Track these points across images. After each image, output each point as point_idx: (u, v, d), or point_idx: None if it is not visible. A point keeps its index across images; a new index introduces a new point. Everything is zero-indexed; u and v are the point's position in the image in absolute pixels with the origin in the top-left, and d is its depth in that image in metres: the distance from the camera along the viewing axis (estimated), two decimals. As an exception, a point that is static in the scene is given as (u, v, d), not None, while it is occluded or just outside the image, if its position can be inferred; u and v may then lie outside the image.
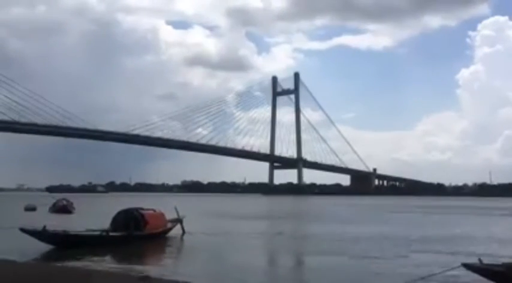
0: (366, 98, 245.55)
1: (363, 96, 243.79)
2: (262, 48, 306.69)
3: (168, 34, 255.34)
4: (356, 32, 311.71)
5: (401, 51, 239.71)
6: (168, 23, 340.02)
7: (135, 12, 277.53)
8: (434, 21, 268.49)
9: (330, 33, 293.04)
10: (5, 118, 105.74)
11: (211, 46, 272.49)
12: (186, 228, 21.07)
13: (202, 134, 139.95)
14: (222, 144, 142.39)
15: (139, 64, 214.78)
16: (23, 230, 16.05)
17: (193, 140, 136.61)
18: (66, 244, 15.90)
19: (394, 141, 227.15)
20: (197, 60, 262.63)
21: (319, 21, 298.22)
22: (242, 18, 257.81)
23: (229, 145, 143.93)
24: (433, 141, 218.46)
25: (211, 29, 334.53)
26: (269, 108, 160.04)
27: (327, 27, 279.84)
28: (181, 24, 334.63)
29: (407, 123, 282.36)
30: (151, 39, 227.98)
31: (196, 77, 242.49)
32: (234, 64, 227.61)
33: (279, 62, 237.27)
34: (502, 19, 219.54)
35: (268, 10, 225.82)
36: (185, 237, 20.35)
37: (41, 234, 15.93)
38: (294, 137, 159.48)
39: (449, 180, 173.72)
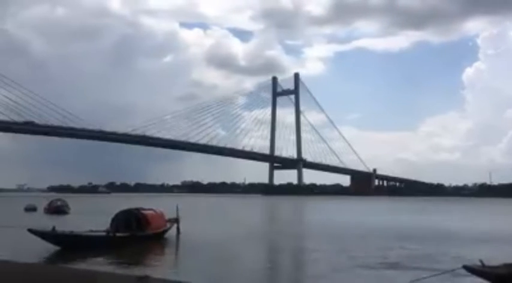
0: (373, 99, 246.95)
1: (371, 98, 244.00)
2: (291, 51, 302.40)
3: (192, 36, 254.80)
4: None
5: (417, 54, 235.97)
6: (192, 25, 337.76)
7: (157, 14, 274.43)
8: (477, 26, 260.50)
9: (353, 37, 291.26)
10: (5, 118, 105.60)
11: (238, 49, 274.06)
12: (187, 228, 21.07)
13: (203, 134, 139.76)
14: (222, 144, 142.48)
15: (165, 66, 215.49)
16: (31, 231, 15.90)
17: (193, 140, 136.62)
18: (74, 245, 15.81)
19: (400, 142, 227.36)
20: (223, 63, 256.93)
21: (355, 27, 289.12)
22: (270, 21, 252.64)
23: (230, 145, 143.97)
24: (438, 142, 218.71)
25: (239, 32, 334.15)
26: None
27: (360, 33, 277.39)
28: (204, 26, 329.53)
29: (412, 124, 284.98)
30: (174, 41, 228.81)
31: (220, 80, 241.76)
32: (260, 67, 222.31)
33: (306, 65, 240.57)
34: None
35: (300, 13, 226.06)
36: (185, 236, 20.26)
37: (50, 235, 15.87)
38: (293, 137, 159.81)
39: (454, 180, 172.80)
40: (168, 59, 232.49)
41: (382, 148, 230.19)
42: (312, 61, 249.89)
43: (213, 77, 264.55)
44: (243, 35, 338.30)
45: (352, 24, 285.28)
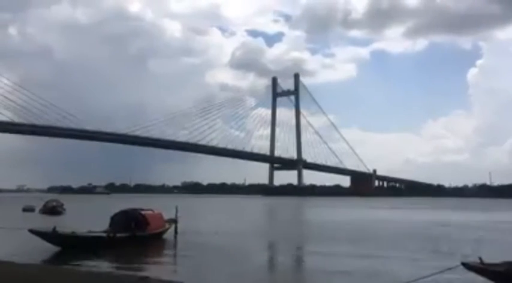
0: (381, 101, 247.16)
1: (378, 99, 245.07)
2: (318, 54, 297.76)
3: (216, 39, 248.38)
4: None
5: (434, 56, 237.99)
6: (216, 27, 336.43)
7: (180, 17, 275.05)
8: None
9: (379, 40, 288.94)
10: (4, 119, 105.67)
11: (265, 52, 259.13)
12: (188, 229, 21.11)
13: (203, 135, 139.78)
14: (223, 145, 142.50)
15: (188, 68, 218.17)
16: (32, 232, 15.86)
17: (193, 141, 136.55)
18: (75, 246, 15.75)
19: (405, 143, 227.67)
20: (249, 66, 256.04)
21: (386, 30, 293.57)
22: (297, 24, 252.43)
23: (231, 146, 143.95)
24: (443, 143, 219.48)
25: (265, 35, 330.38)
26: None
27: (388, 36, 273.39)
28: (229, 28, 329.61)
29: (418, 125, 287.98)
30: (197, 43, 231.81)
31: (245, 82, 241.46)
32: (286, 69, 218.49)
33: (332, 68, 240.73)
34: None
35: (329, 16, 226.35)
36: (185, 237, 20.25)
37: (50, 236, 15.79)
38: (294, 138, 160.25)
39: (460, 181, 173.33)
40: (191, 61, 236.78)
41: (388, 149, 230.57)
42: (339, 65, 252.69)
43: (239, 79, 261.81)
44: (269, 38, 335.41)
45: (383, 27, 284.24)
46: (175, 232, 20.55)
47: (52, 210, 39.55)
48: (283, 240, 21.79)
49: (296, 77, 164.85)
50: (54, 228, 15.73)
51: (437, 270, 9.48)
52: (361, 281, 11.80)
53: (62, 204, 42.14)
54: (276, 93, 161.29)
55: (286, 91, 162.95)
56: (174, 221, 20.85)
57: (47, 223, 23.52)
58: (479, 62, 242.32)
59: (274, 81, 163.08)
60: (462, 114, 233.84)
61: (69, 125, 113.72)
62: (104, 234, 16.88)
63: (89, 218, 26.81)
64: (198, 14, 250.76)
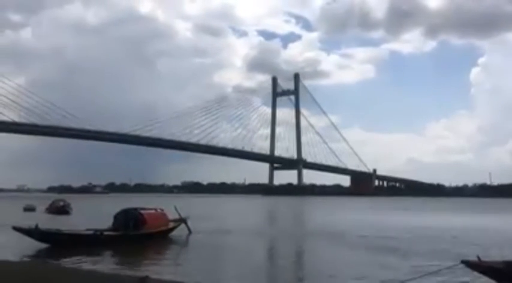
0: (382, 101, 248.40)
1: (381, 99, 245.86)
2: (333, 56, 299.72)
3: (229, 40, 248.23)
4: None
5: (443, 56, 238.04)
6: (229, 28, 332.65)
7: (192, 18, 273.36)
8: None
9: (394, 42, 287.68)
10: (4, 119, 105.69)
11: (278, 53, 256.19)
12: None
13: (203, 134, 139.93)
14: (222, 144, 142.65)
15: (200, 69, 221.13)
16: (15, 229, 16.00)
17: (193, 140, 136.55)
18: (60, 243, 15.85)
19: (409, 142, 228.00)
20: (262, 67, 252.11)
21: (406, 33, 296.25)
22: (311, 25, 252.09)
23: (231, 146, 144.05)
24: (446, 143, 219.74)
25: (278, 35, 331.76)
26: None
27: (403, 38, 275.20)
28: (242, 30, 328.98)
29: (419, 125, 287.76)
30: (209, 44, 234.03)
31: (259, 83, 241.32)
32: (300, 71, 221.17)
33: (347, 69, 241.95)
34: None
35: (349, 17, 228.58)
36: (186, 236, 20.30)
37: (34, 233, 15.88)
38: (294, 137, 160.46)
39: (462, 181, 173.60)
40: (203, 61, 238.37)
41: (391, 149, 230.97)
42: (355, 65, 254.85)
43: (251, 79, 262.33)
44: (283, 39, 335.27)
45: (400, 29, 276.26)
46: (189, 231, 20.76)
47: (60, 209, 39.86)
48: (284, 240, 21.76)
49: (296, 77, 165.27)
50: (37, 225, 15.85)
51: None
52: (361, 280, 11.78)
53: (69, 204, 42.37)
54: (276, 93, 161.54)
55: (286, 91, 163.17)
56: (182, 220, 21.00)
57: (57, 222, 23.68)
58: (481, 61, 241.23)
59: (274, 81, 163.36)
60: (465, 114, 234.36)
61: (71, 125, 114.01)
62: (91, 232, 16.97)
63: (95, 217, 26.86)
64: (211, 14, 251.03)
